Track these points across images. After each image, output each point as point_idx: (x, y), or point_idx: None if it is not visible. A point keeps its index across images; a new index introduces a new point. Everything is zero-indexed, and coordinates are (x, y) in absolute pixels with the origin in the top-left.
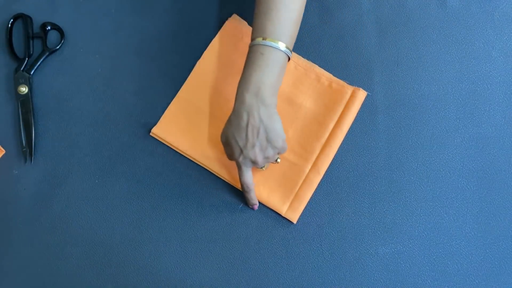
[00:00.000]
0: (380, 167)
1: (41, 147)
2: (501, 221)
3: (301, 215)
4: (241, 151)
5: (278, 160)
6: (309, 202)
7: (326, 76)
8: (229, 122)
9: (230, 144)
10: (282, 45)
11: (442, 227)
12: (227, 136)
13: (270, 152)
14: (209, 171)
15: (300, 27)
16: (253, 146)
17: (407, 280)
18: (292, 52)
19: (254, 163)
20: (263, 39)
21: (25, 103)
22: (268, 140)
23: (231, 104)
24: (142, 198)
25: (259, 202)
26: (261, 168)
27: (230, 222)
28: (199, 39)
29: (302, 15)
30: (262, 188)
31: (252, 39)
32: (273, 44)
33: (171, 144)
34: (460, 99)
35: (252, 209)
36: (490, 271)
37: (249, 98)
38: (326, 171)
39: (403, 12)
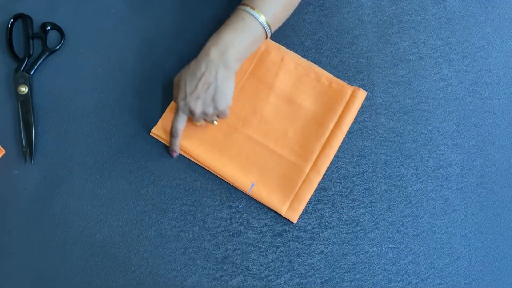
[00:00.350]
0: (380, 167)
1: (41, 147)
2: (501, 221)
3: (301, 215)
4: (185, 97)
5: (215, 122)
6: (309, 202)
7: (326, 76)
8: (187, 67)
9: (179, 86)
10: (263, 19)
11: (442, 227)
12: (180, 78)
13: (210, 110)
14: (209, 171)
15: (300, 27)
16: (198, 97)
17: (407, 280)
18: (292, 52)
19: (191, 113)
20: (249, 7)
21: (25, 103)
22: (214, 99)
23: (232, 104)
24: (142, 198)
25: (260, 203)
26: (196, 122)
27: (230, 222)
28: (199, 39)
29: (295, 4)
30: (262, 188)
31: (241, 4)
32: (256, 14)
33: None
34: (460, 99)
35: (171, 156)
36: (490, 271)
37: (214, 53)
38: (326, 171)
39: (403, 12)
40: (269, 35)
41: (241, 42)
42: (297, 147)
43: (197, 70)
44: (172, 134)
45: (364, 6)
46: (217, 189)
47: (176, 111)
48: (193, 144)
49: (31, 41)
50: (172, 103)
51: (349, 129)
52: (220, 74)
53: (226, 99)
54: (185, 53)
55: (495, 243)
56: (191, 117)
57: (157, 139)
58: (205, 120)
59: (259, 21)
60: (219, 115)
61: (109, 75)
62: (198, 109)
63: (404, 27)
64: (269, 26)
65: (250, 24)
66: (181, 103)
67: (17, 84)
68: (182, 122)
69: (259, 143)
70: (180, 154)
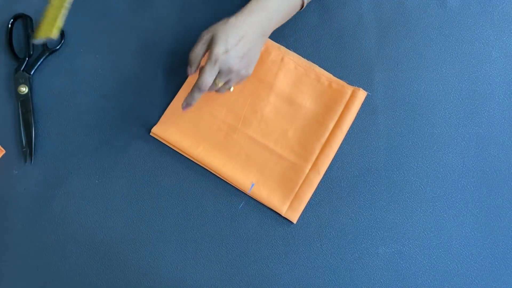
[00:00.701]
0: (380, 167)
1: (41, 147)
2: (501, 221)
3: (301, 215)
4: (227, 51)
5: (232, 88)
6: (309, 202)
7: (326, 76)
8: (225, 22)
9: (217, 39)
10: None
11: (442, 227)
12: (216, 32)
13: (243, 72)
14: (209, 171)
15: (300, 27)
16: (240, 56)
17: (407, 280)
18: (292, 52)
19: (229, 69)
20: None
21: (25, 103)
22: (248, 62)
23: (231, 104)
24: (142, 198)
25: (260, 203)
26: (218, 82)
27: (230, 222)
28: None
29: None
30: (262, 188)
31: None
32: None
33: (171, 144)
34: (460, 99)
35: (182, 108)
36: (490, 271)
37: (259, 18)
38: (326, 171)
39: (403, 12)
40: (304, 5)
41: (283, 13)
42: (297, 147)
43: (240, 29)
44: (199, 86)
45: (364, 6)
46: (217, 189)
47: (210, 64)
48: (193, 144)
49: (31, 41)
50: (173, 103)
51: (349, 129)
52: (260, 39)
53: (254, 65)
54: (185, 53)
55: (495, 243)
56: (219, 78)
57: (157, 139)
58: (225, 83)
59: None
60: (241, 80)
61: (109, 75)
62: (236, 66)
63: (404, 27)
64: None
65: None
66: (222, 56)
67: (17, 84)
68: (213, 76)
69: (259, 143)
70: (180, 154)
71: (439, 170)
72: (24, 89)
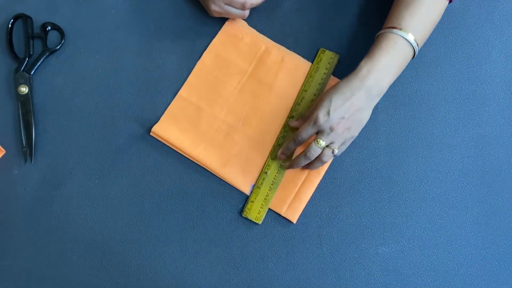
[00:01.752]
0: (380, 167)
1: (41, 147)
2: (501, 221)
3: (301, 215)
4: (328, 112)
5: (336, 151)
6: (309, 202)
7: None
8: (335, 87)
9: (322, 102)
10: (412, 39)
11: (442, 227)
12: (324, 97)
13: (346, 134)
14: (209, 171)
15: (300, 28)
16: (342, 117)
17: (407, 280)
18: (293, 53)
19: (331, 129)
20: (401, 30)
21: (25, 103)
22: (353, 124)
23: (231, 104)
24: (142, 198)
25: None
26: (320, 145)
27: (230, 222)
28: (199, 39)
29: (437, 21)
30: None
31: (388, 27)
32: (407, 36)
33: (171, 144)
34: (460, 99)
35: (279, 157)
36: (490, 271)
37: (370, 80)
38: (326, 171)
39: None
40: (416, 54)
41: (395, 68)
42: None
43: (348, 91)
44: (295, 139)
45: (364, 7)
46: (217, 189)
47: (309, 122)
48: (193, 144)
49: (31, 41)
50: (173, 103)
51: None
52: (370, 102)
53: (361, 127)
54: (185, 53)
55: (495, 243)
56: (321, 135)
57: (157, 139)
58: (329, 146)
59: (410, 43)
60: (347, 142)
61: (109, 75)
62: (337, 127)
63: None
64: (417, 45)
65: (403, 48)
66: (323, 118)
67: (17, 84)
68: (309, 134)
69: (260, 143)
70: (180, 154)
71: (439, 170)
72: (24, 89)
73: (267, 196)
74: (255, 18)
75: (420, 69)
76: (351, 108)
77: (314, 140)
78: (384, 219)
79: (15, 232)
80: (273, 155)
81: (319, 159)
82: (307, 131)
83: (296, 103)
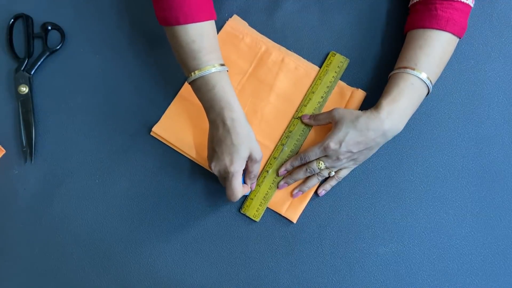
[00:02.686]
0: (380, 167)
1: (41, 147)
2: (501, 221)
3: (301, 215)
4: (338, 145)
5: (332, 173)
6: (309, 201)
7: None
8: (356, 118)
9: (338, 129)
10: (426, 77)
11: (442, 227)
12: (343, 122)
13: (347, 164)
14: (209, 171)
15: (300, 28)
16: (351, 152)
17: (407, 280)
18: (293, 53)
19: (334, 160)
20: (415, 70)
21: (25, 103)
22: (358, 157)
23: None
24: (142, 198)
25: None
26: (320, 168)
27: (230, 222)
28: None
29: (448, 58)
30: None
31: (403, 67)
32: (422, 76)
33: (171, 144)
34: (460, 99)
35: (280, 173)
36: (490, 271)
37: (391, 123)
38: None
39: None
40: (429, 93)
41: (412, 110)
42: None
43: (365, 129)
44: (301, 159)
45: (364, 7)
46: (217, 189)
47: (319, 148)
48: (193, 144)
49: (31, 41)
50: (173, 102)
51: None
52: (381, 140)
53: (363, 161)
54: None
55: (495, 243)
56: (326, 159)
57: (157, 139)
58: (326, 168)
59: (426, 83)
60: (344, 168)
61: (109, 75)
62: (345, 158)
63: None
64: (431, 83)
65: (420, 89)
66: (334, 147)
67: (17, 84)
68: (316, 157)
69: (260, 143)
70: (180, 153)
71: (439, 170)
72: (24, 89)
73: (266, 194)
74: (256, 19)
75: None
76: (362, 145)
77: (316, 160)
78: (384, 219)
79: (15, 232)
80: (275, 154)
81: (316, 176)
82: (315, 154)
83: (303, 104)
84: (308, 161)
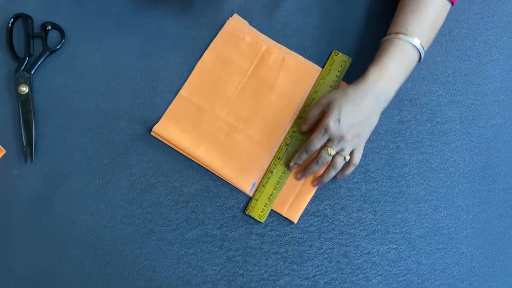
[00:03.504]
0: (381, 167)
1: (41, 147)
2: (501, 221)
3: (301, 215)
4: (339, 120)
5: (347, 158)
6: (309, 202)
7: None
8: (343, 91)
9: (331, 108)
10: (418, 43)
11: (442, 227)
12: (332, 101)
13: (356, 142)
14: (210, 171)
15: (300, 27)
16: (352, 125)
17: (407, 280)
18: (294, 52)
19: (341, 136)
20: (406, 35)
21: (25, 102)
22: (362, 132)
23: (232, 104)
24: (143, 198)
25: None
26: (330, 154)
27: (230, 222)
28: (200, 38)
29: (440, 25)
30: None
31: (395, 32)
32: (413, 41)
33: (171, 144)
34: (460, 99)
35: (290, 168)
36: (490, 271)
37: (379, 88)
38: None
39: None
40: (422, 59)
41: (403, 74)
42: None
43: (357, 97)
44: (306, 149)
45: (363, 7)
46: (218, 189)
47: (320, 131)
48: (194, 144)
49: (31, 41)
50: (174, 102)
51: None
52: (378, 108)
53: (369, 133)
54: (186, 53)
55: (495, 243)
56: (331, 143)
57: (157, 139)
58: (338, 153)
59: (417, 48)
60: (357, 148)
61: (109, 75)
62: (347, 134)
63: None
64: (423, 50)
65: (410, 53)
66: (334, 126)
67: (17, 84)
68: (321, 143)
69: (260, 143)
70: (180, 153)
71: (439, 170)
72: (24, 89)
73: (271, 195)
74: (256, 18)
75: (420, 69)
76: (360, 115)
77: (324, 148)
78: (384, 219)
79: (15, 232)
80: (280, 154)
81: (332, 166)
82: (318, 140)
83: (306, 104)
84: (313, 150)
